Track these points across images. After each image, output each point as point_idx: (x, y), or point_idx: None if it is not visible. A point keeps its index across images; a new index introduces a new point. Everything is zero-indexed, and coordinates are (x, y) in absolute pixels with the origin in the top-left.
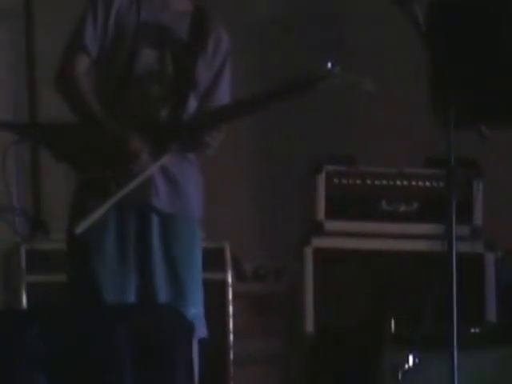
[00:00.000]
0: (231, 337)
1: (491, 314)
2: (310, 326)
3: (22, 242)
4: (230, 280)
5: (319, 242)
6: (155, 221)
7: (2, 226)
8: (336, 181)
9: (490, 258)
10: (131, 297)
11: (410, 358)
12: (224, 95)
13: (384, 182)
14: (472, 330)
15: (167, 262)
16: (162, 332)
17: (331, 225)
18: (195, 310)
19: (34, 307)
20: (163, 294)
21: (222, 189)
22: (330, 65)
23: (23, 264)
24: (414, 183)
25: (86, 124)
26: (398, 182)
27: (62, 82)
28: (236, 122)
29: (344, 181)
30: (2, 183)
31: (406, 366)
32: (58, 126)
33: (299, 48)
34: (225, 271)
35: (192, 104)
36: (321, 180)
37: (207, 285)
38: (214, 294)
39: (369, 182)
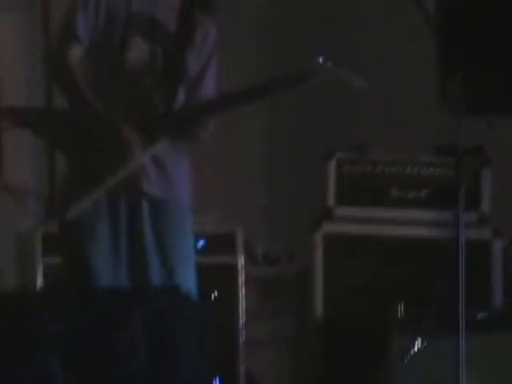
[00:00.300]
0: (242, 320)
1: (498, 299)
2: (319, 310)
3: (37, 224)
4: (242, 264)
5: (329, 227)
6: (146, 207)
7: (17, 208)
8: (347, 167)
9: (497, 244)
10: (123, 282)
11: (418, 343)
12: (210, 86)
13: (394, 169)
14: (479, 315)
15: (159, 247)
16: (174, 313)
17: (341, 211)
18: (187, 290)
19: (49, 289)
20: (155, 279)
21: (234, 174)
22: (321, 60)
23: (39, 246)
24: (423, 170)
25: (80, 112)
26: (408, 169)
27: (57, 71)
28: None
29: (355, 168)
30: (16, 167)
31: (413, 351)
32: (50, 112)
33: (299, 43)
34: (237, 255)
35: (181, 95)
36: (331, 167)
37: (219, 269)
38: (226, 277)
39: (379, 168)
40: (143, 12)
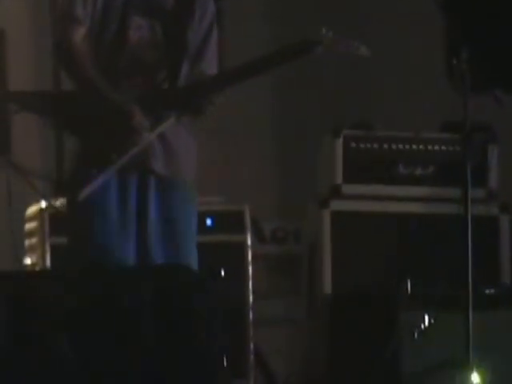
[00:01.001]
0: (251, 298)
1: (505, 275)
2: (328, 287)
3: (45, 204)
4: (249, 242)
5: (337, 205)
6: (153, 184)
7: (26, 188)
8: (354, 145)
9: (505, 220)
10: (131, 255)
11: (426, 318)
12: (212, 59)
13: (401, 146)
14: (487, 291)
15: (163, 222)
16: (181, 289)
17: (349, 188)
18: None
19: (58, 267)
20: (159, 253)
21: (241, 152)
22: (324, 30)
23: (47, 226)
24: (430, 147)
25: (88, 94)
26: (415, 146)
27: (62, 54)
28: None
29: (361, 145)
30: (26, 147)
31: (422, 326)
32: (58, 95)
33: (312, 17)
34: (244, 233)
35: (184, 68)
36: (339, 144)
37: (227, 247)
38: (234, 255)
39: (386, 146)
40: None
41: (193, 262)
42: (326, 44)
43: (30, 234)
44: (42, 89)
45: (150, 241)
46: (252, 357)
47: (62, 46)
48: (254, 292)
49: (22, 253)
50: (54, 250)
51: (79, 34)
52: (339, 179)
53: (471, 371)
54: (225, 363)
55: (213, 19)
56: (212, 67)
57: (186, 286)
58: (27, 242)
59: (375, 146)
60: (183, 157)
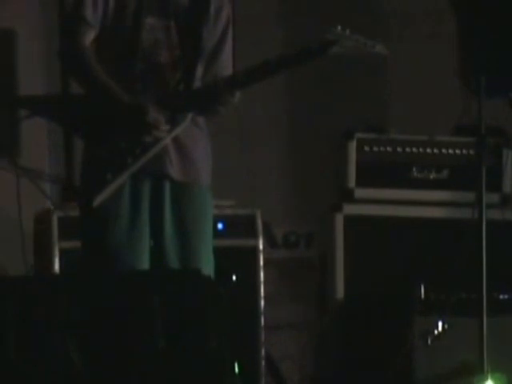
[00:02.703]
0: (262, 303)
1: None
2: (340, 292)
3: (54, 207)
4: (261, 247)
5: (350, 209)
6: (167, 188)
7: (34, 191)
8: (367, 148)
9: None
10: (145, 259)
11: (440, 324)
12: (228, 57)
13: (414, 150)
14: (501, 297)
15: (178, 226)
16: (193, 295)
17: (362, 192)
18: (205, 273)
19: (66, 272)
20: (174, 258)
21: (253, 155)
22: (339, 28)
23: (55, 230)
24: (444, 151)
25: (99, 96)
26: (429, 150)
27: (69, 56)
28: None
29: (375, 148)
30: (35, 151)
31: (436, 332)
32: (70, 99)
33: (325, 17)
34: (256, 238)
35: (199, 69)
36: (352, 147)
37: (239, 251)
38: (246, 260)
39: (399, 149)
40: None
41: (208, 267)
42: (342, 43)
43: (39, 237)
44: (53, 90)
45: (164, 246)
46: (263, 362)
47: (67, 47)
48: (265, 297)
49: (31, 256)
50: (63, 253)
51: (88, 36)
52: (352, 183)
53: (486, 377)
54: (236, 368)
55: (228, 20)
56: (227, 68)
57: (197, 291)
58: (36, 246)
59: (389, 149)
60: (198, 161)
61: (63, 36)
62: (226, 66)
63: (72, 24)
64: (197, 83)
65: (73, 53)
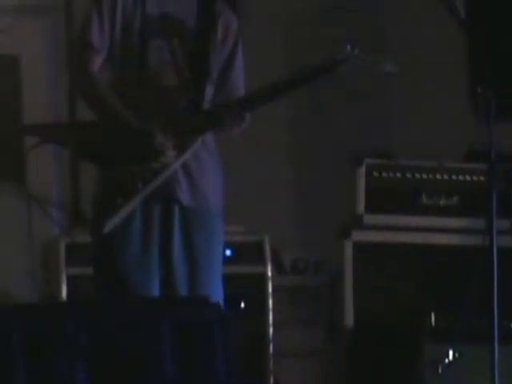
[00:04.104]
0: (271, 330)
1: None
2: (349, 319)
3: (61, 234)
4: (269, 273)
5: (359, 235)
6: (177, 212)
7: (41, 218)
8: (376, 174)
9: None
10: (155, 285)
11: (450, 352)
12: (239, 77)
13: (424, 176)
14: None
15: (188, 252)
16: (201, 321)
17: (371, 218)
18: (214, 299)
19: (74, 299)
20: (183, 284)
21: (261, 181)
22: (349, 47)
23: (63, 256)
24: (454, 177)
25: (108, 121)
26: (439, 176)
27: (79, 81)
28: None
29: (384, 174)
30: (40, 177)
31: (447, 360)
32: (79, 125)
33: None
34: (265, 264)
35: (209, 91)
36: (361, 173)
37: (247, 278)
38: (254, 286)
39: (409, 175)
40: (159, 12)
41: (217, 294)
42: (350, 62)
43: (46, 264)
44: (58, 115)
45: (173, 272)
46: None
47: (77, 73)
48: (273, 324)
49: (39, 283)
50: (70, 280)
51: (96, 62)
52: (361, 209)
53: None
54: None
55: (237, 38)
56: (238, 89)
57: (205, 318)
58: (43, 273)
59: (398, 175)
60: (207, 187)
61: (73, 62)
62: (236, 85)
63: (79, 50)
64: (206, 105)
65: (81, 78)
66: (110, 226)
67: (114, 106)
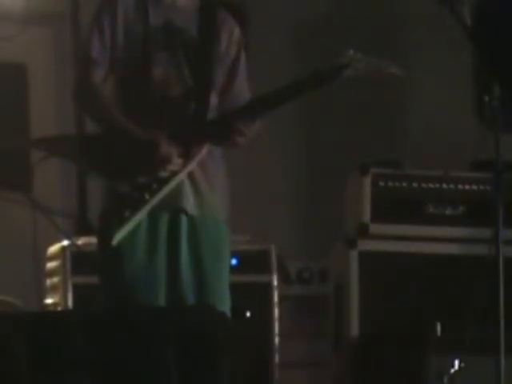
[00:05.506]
0: (276, 340)
1: None
2: (355, 329)
3: (67, 243)
4: (275, 282)
5: (365, 244)
6: (184, 221)
7: (47, 227)
8: (382, 183)
9: None
10: (161, 295)
11: (456, 363)
12: (242, 85)
13: (430, 185)
14: None
15: (195, 262)
16: (206, 332)
17: (377, 228)
18: (221, 309)
19: (80, 310)
20: (190, 294)
21: (266, 190)
22: (351, 51)
23: (69, 265)
24: (460, 186)
25: (112, 133)
26: (445, 185)
27: (81, 93)
28: (264, 115)
29: (390, 183)
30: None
31: (452, 371)
32: (84, 138)
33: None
34: (270, 274)
35: (213, 100)
36: (367, 182)
37: (252, 287)
38: (260, 296)
39: (415, 184)
40: (160, 21)
41: (223, 304)
42: (354, 66)
43: (52, 273)
44: (65, 126)
45: (180, 282)
46: None
47: (80, 85)
48: (279, 333)
49: (44, 292)
50: (76, 289)
51: (98, 74)
52: (367, 218)
53: None
54: None
55: (240, 46)
56: (242, 97)
57: (211, 328)
58: (49, 282)
59: (404, 184)
60: (215, 197)
61: (76, 74)
62: (240, 94)
63: (81, 62)
64: (211, 114)
65: (80, 90)
66: (118, 237)
67: (116, 116)
